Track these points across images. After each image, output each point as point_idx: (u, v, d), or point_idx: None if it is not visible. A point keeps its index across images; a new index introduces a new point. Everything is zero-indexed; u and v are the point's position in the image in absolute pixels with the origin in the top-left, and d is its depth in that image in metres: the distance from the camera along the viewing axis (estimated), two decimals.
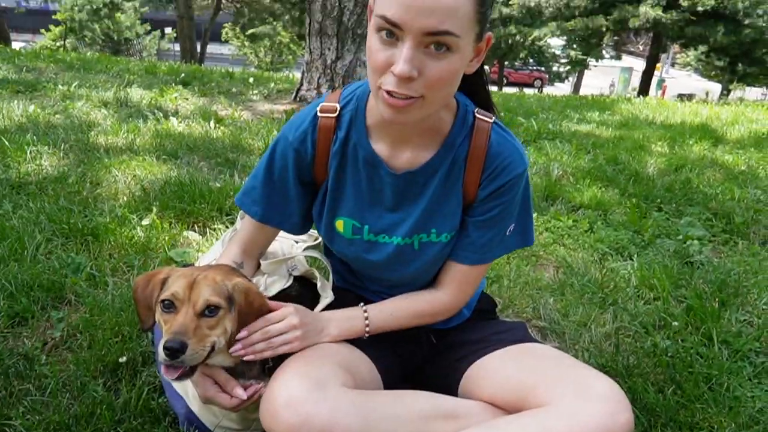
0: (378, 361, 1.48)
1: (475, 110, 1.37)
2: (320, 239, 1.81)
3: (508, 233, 1.42)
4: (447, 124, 1.34)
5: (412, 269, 1.45)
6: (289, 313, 1.34)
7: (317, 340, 1.37)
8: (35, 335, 1.82)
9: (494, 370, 1.42)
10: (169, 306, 1.23)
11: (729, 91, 23.73)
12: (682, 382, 1.85)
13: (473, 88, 1.38)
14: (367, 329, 1.42)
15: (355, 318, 1.42)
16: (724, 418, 1.69)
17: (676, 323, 2.18)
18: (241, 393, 1.31)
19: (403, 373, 1.59)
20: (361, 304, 1.45)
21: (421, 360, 1.60)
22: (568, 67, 28.44)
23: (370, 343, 1.50)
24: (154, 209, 2.72)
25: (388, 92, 1.14)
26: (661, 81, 29.70)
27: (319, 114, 1.38)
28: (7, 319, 1.87)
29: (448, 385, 1.47)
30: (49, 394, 1.53)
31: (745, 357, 2.03)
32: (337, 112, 1.37)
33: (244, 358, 1.30)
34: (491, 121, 1.36)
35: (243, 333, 1.29)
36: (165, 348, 1.16)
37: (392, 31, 1.10)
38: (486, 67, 1.34)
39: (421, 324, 1.50)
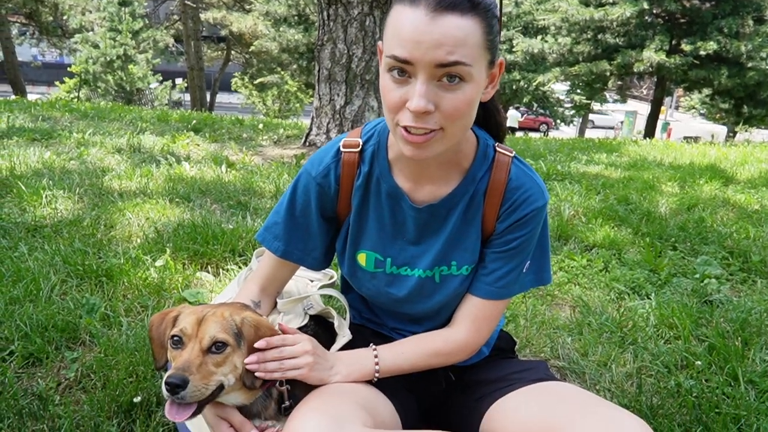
0: (396, 401, 1.44)
1: (495, 144, 1.38)
2: (335, 278, 1.81)
3: (524, 270, 1.40)
4: (467, 158, 1.35)
5: (433, 303, 1.43)
6: (303, 339, 1.32)
7: (326, 377, 1.33)
8: (49, 375, 1.80)
9: (516, 409, 1.38)
10: (178, 342, 1.22)
11: (735, 133, 23.84)
12: (710, 423, 1.79)
13: (487, 114, 1.39)
14: (377, 370, 1.37)
15: (364, 359, 1.38)
16: None
17: (699, 362, 2.13)
18: None
19: (422, 413, 1.55)
20: (372, 345, 1.41)
21: (439, 399, 1.56)
22: (573, 112, 28.76)
23: (388, 383, 1.47)
24: (168, 250, 2.72)
25: (406, 129, 1.16)
26: (666, 124, 29.94)
27: (342, 149, 1.39)
28: (22, 359, 1.86)
29: (469, 426, 1.43)
30: None
31: None
32: (360, 147, 1.38)
33: (256, 373, 1.26)
34: (511, 155, 1.36)
35: (261, 343, 1.25)
36: (166, 383, 1.13)
37: (403, 69, 1.12)
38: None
39: (435, 365, 1.44)
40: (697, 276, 3.03)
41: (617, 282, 2.92)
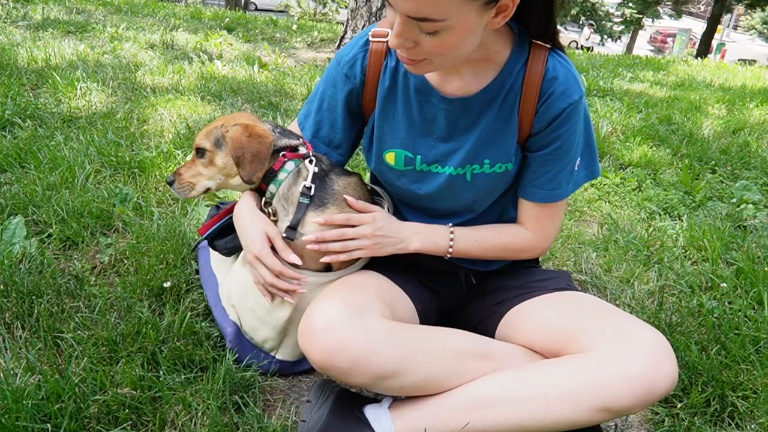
0: (416, 299, 1.47)
1: (531, 38, 1.30)
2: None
3: (576, 168, 1.38)
4: (502, 54, 1.29)
5: (464, 200, 1.42)
6: (367, 219, 1.36)
7: (393, 251, 1.38)
8: (85, 258, 1.88)
9: (534, 315, 1.39)
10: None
11: None
12: (728, 343, 1.79)
13: (531, 20, 1.28)
14: (451, 249, 1.41)
15: (440, 236, 1.41)
16: None
17: (724, 285, 2.11)
18: (294, 259, 1.34)
19: (441, 314, 1.58)
20: (450, 224, 1.44)
21: (459, 301, 1.59)
22: (622, 27, 27.27)
23: (409, 281, 1.49)
24: None
25: None
26: (721, 45, 28.26)
27: (371, 39, 1.34)
28: (59, 242, 1.93)
29: (486, 329, 1.45)
30: (97, 312, 1.58)
31: None
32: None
33: (321, 260, 1.36)
34: (548, 47, 1.29)
35: (320, 219, 1.35)
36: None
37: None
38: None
39: (504, 258, 1.50)
40: (734, 200, 2.95)
41: (649, 202, 2.86)
